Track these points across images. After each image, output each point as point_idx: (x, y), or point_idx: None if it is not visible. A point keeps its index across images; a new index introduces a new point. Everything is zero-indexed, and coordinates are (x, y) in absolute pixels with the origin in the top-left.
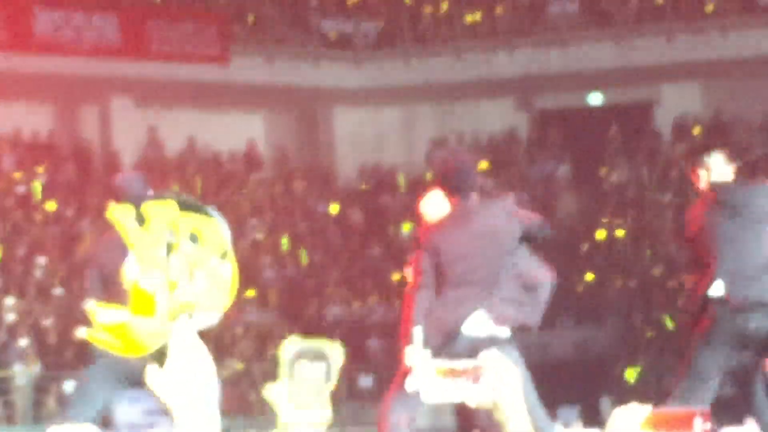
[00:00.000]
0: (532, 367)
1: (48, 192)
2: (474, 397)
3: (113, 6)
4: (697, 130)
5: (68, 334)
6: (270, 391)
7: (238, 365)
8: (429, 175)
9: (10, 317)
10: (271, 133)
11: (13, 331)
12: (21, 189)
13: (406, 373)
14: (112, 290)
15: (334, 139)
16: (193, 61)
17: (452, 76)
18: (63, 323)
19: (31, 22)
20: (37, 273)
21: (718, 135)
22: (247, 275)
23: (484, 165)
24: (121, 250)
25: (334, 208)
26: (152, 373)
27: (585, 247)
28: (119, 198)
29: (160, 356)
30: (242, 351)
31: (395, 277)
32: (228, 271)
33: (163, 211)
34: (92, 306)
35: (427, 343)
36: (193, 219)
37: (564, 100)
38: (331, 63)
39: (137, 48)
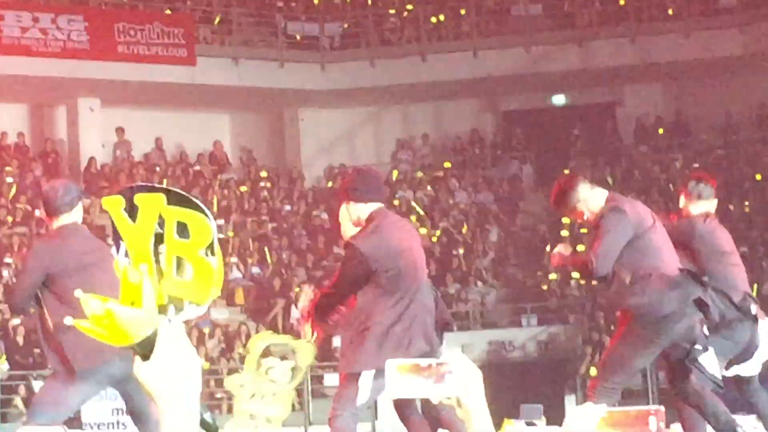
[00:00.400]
0: (496, 365)
1: (17, 192)
2: (437, 394)
3: (80, 7)
4: (659, 131)
5: (36, 334)
6: (232, 381)
7: (205, 364)
8: (395, 175)
9: None
10: (237, 134)
11: None
12: None
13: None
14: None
15: (300, 140)
16: (159, 62)
17: (417, 78)
18: (31, 323)
19: None
20: (5, 273)
21: (679, 135)
22: None
23: (448, 165)
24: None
25: (300, 209)
26: (138, 365)
27: (549, 246)
28: (48, 208)
29: (146, 347)
30: (209, 350)
31: None
32: (215, 264)
33: (152, 204)
34: (81, 294)
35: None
36: (181, 212)
37: (528, 101)
38: (297, 64)
39: (104, 49)
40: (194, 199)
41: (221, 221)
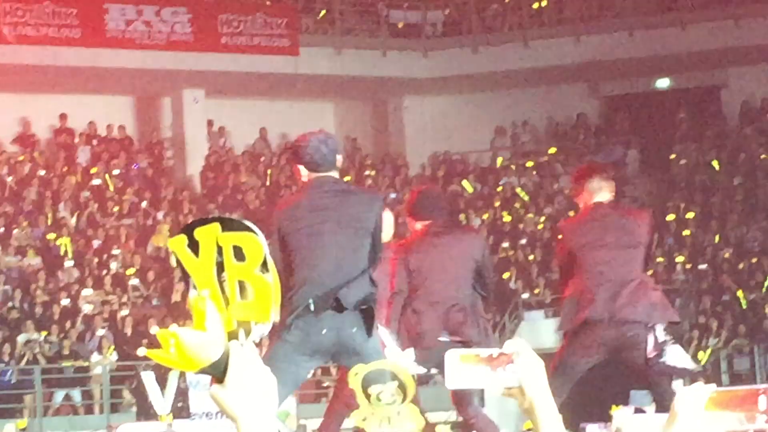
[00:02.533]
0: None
1: (123, 184)
2: (499, 384)
3: None
4: (766, 113)
5: (144, 325)
6: (356, 418)
7: None
8: (499, 162)
9: (88, 308)
10: (341, 123)
11: (90, 322)
12: (97, 182)
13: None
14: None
15: (404, 128)
16: (263, 52)
17: (520, 64)
18: (139, 314)
19: (103, 17)
20: (113, 264)
21: None
22: None
23: (553, 151)
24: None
25: (405, 196)
26: (214, 389)
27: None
28: (305, 162)
29: (219, 371)
30: None
31: None
32: (270, 279)
33: (210, 234)
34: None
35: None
36: (235, 236)
37: (631, 86)
38: (400, 52)
39: (208, 40)
40: (244, 222)
41: None
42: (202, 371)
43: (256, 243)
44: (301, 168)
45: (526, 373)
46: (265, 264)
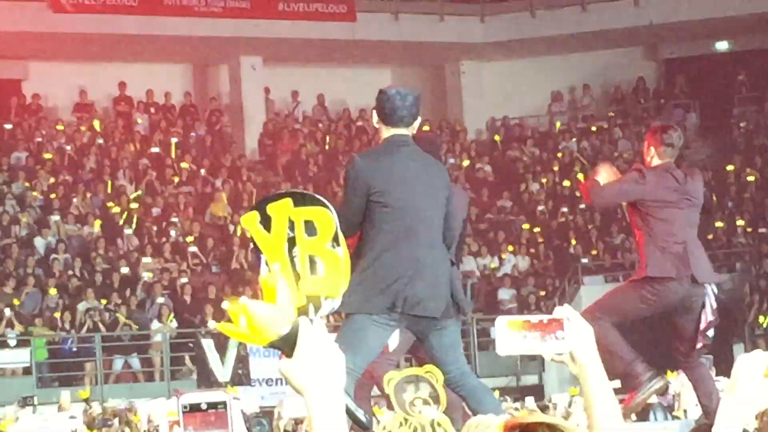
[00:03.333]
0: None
1: (182, 152)
2: (549, 351)
3: None
4: None
5: (203, 292)
6: (392, 422)
7: None
8: (558, 126)
9: (147, 276)
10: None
11: (150, 290)
12: (155, 149)
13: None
14: None
15: (462, 93)
16: (320, 19)
17: (578, 27)
18: (198, 281)
19: None
20: (173, 232)
21: None
22: None
23: (611, 115)
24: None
25: (464, 161)
26: (283, 362)
27: (714, 196)
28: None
29: (288, 345)
30: None
31: (526, 227)
32: (341, 254)
33: (282, 210)
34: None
35: None
36: (307, 211)
37: (690, 48)
38: (457, 17)
39: (265, 7)
40: (317, 196)
41: None
42: (271, 345)
43: (328, 217)
44: (374, 114)
45: (575, 340)
46: (336, 238)
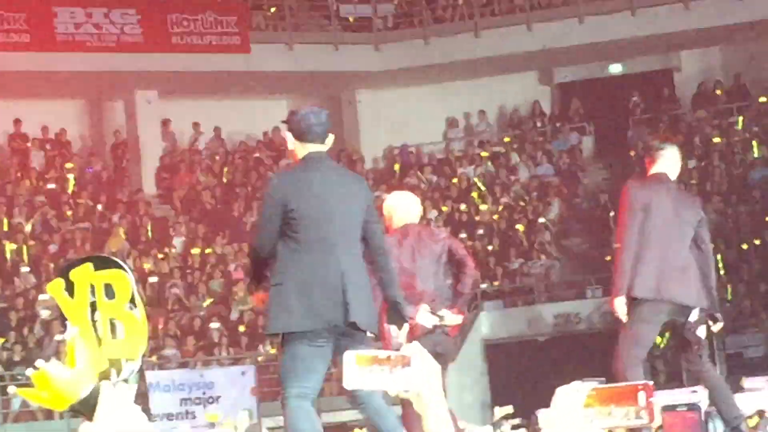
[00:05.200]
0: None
1: (78, 188)
2: (396, 386)
3: (132, 0)
4: (717, 92)
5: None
6: None
7: None
8: (454, 153)
9: (45, 314)
10: None
11: (48, 327)
12: (51, 186)
13: None
14: None
15: (358, 122)
16: (214, 51)
17: (472, 54)
18: None
19: (52, 21)
20: None
21: (739, 98)
22: None
23: (507, 140)
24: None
25: None
26: (84, 427)
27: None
28: (291, 129)
29: (88, 408)
30: None
31: None
32: (139, 315)
33: (83, 275)
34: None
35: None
36: (105, 275)
37: (584, 72)
38: (351, 46)
39: (158, 41)
40: (114, 259)
41: None
42: (72, 408)
43: (125, 279)
44: (288, 135)
45: (421, 377)
46: (133, 300)
